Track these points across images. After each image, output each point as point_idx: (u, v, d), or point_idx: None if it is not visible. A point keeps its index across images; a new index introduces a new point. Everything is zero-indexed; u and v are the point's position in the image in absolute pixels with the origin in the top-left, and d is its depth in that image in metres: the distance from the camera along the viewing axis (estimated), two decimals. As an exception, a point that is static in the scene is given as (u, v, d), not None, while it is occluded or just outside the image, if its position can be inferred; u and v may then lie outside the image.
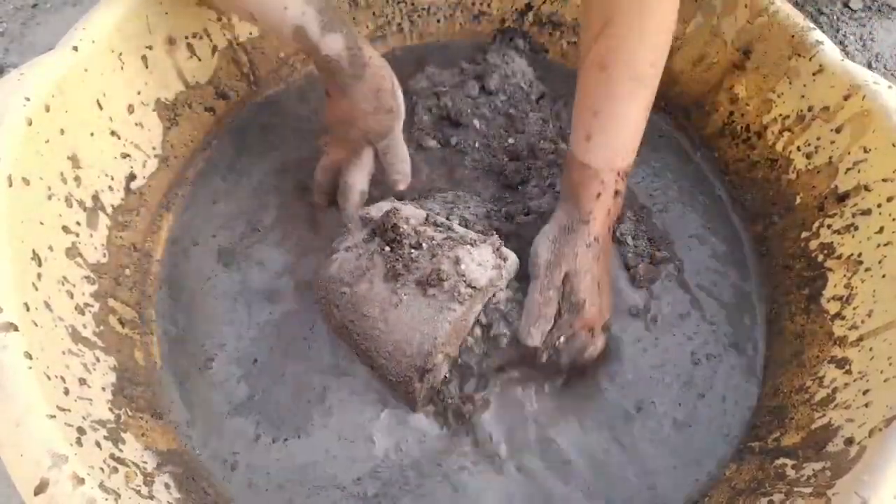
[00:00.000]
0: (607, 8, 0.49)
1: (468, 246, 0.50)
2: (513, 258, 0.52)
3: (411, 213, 0.53)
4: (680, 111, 0.70)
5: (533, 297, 0.52)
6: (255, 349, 0.55)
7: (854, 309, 0.50)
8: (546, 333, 0.51)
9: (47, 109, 0.47)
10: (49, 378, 0.39)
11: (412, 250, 0.50)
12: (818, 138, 0.56)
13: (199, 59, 0.62)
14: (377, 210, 0.54)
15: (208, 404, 0.52)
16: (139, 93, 0.57)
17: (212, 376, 0.54)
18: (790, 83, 0.58)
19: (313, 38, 0.53)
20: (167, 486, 0.43)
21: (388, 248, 0.50)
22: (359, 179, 0.59)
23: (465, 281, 0.48)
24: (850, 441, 0.42)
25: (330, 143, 0.61)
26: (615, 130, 0.52)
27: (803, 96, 0.57)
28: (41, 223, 0.45)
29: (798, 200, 0.58)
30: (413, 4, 0.74)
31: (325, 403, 0.53)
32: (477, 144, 0.67)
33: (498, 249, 0.51)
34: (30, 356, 0.37)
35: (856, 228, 0.52)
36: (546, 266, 0.52)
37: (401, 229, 0.50)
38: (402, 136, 0.60)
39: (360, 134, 0.58)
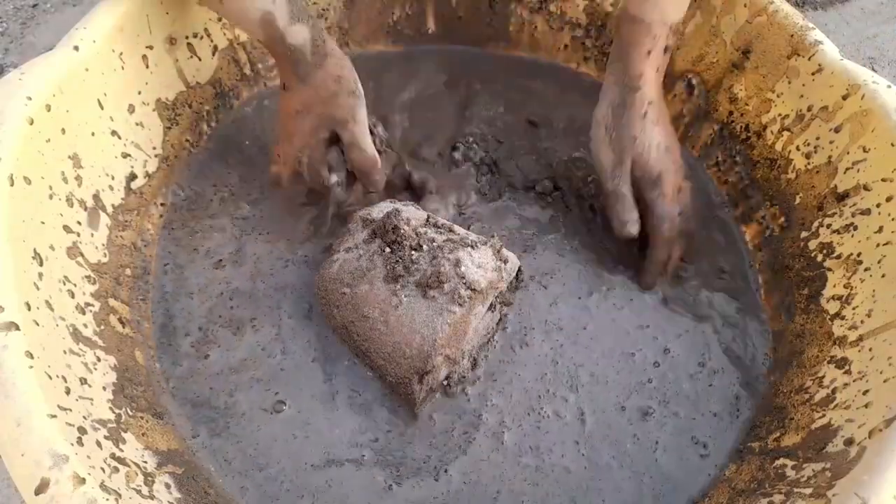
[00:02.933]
0: None
1: (468, 248, 0.50)
2: (513, 260, 0.52)
3: (412, 215, 0.53)
4: (680, 111, 0.70)
5: (609, 203, 0.56)
6: (257, 348, 0.55)
7: (853, 309, 0.50)
8: (637, 218, 0.56)
9: (48, 109, 0.47)
10: (50, 377, 0.39)
11: (412, 252, 0.50)
12: (817, 138, 0.56)
13: (200, 59, 0.62)
14: (378, 211, 0.54)
15: (209, 404, 0.52)
16: (140, 92, 0.57)
17: (211, 375, 0.54)
18: (789, 83, 0.58)
19: (280, 25, 0.53)
20: (167, 486, 0.43)
21: (388, 250, 0.50)
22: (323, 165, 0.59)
23: (465, 283, 0.48)
24: (850, 441, 0.42)
25: (283, 142, 0.59)
26: None
27: (802, 96, 0.57)
28: (42, 223, 0.45)
29: (797, 200, 0.58)
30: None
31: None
32: None
33: (498, 251, 0.51)
34: (31, 355, 0.37)
35: (855, 228, 0.52)
36: (612, 168, 0.55)
37: (401, 231, 0.50)
38: (367, 128, 0.57)
39: (317, 122, 0.57)
